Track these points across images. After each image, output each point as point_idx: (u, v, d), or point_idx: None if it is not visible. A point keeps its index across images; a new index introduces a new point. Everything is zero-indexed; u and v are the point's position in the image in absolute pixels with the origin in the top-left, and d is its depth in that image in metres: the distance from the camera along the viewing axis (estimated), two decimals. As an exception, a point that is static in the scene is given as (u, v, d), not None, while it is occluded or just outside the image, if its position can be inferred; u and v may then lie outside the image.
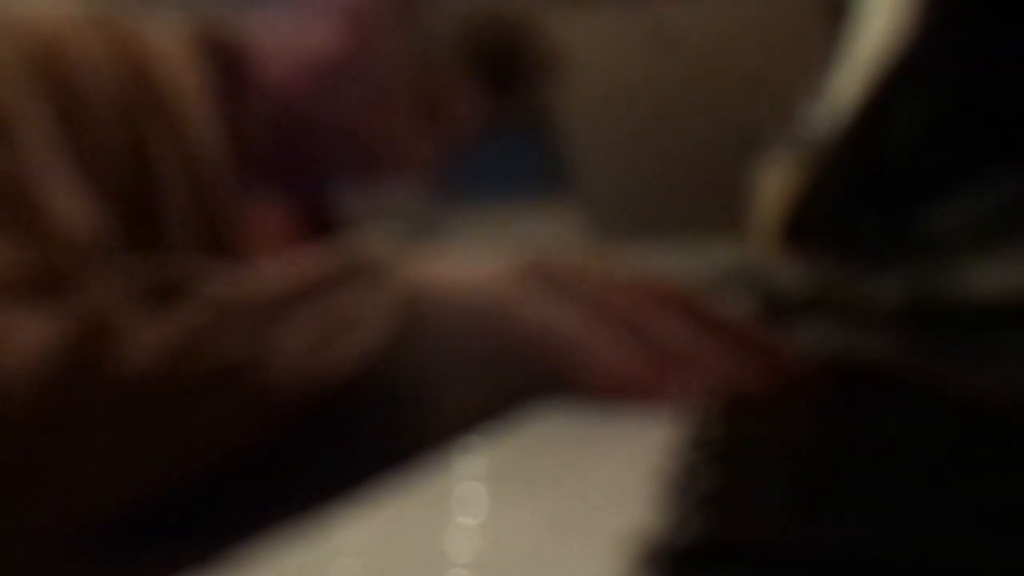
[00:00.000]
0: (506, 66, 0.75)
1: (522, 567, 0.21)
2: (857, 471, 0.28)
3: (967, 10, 0.35)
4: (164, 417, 0.48)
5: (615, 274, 0.50)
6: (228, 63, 0.73)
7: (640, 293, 0.49)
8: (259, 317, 0.49)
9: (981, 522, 0.21)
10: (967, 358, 0.41)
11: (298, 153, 0.76)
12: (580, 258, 0.51)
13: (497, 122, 0.79)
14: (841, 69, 0.66)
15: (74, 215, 0.58)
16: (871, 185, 0.56)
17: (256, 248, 0.70)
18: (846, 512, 0.23)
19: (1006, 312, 0.39)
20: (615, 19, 1.86)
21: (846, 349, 0.62)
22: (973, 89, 0.39)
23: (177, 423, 0.48)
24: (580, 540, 0.22)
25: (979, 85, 0.39)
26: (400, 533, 0.24)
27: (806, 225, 0.79)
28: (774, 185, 1.13)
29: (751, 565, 0.19)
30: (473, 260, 0.52)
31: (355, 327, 0.48)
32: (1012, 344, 0.37)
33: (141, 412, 0.48)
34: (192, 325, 0.48)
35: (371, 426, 0.50)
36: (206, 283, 0.50)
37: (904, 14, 0.42)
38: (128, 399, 0.48)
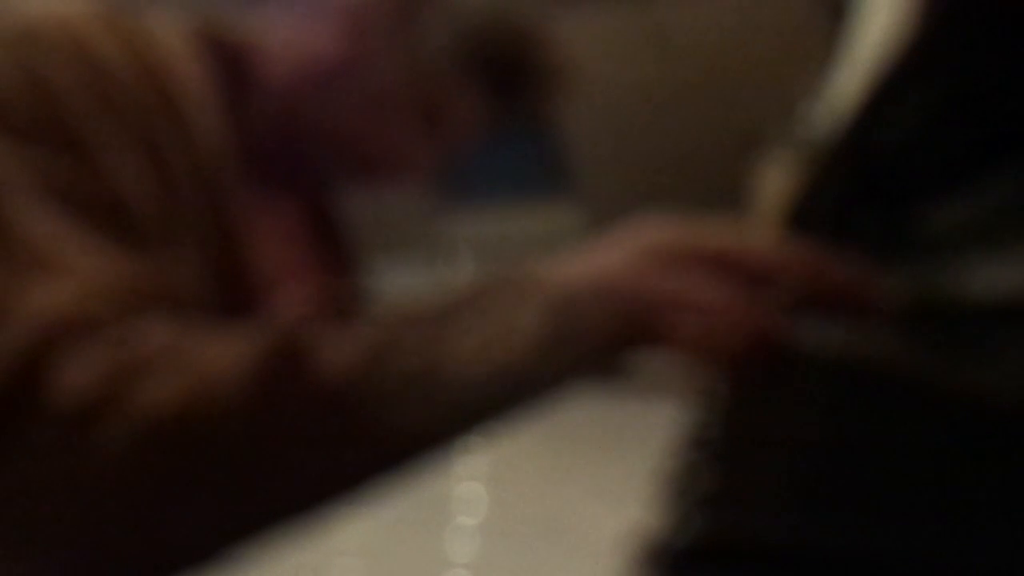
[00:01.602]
0: (508, 71, 0.75)
1: (522, 567, 0.21)
2: (857, 471, 0.28)
3: (967, 10, 0.35)
4: (362, 421, 0.51)
5: (723, 238, 0.54)
6: (231, 62, 0.73)
7: (749, 247, 0.53)
8: (428, 328, 0.52)
9: (981, 522, 0.21)
10: (967, 358, 0.41)
11: (298, 153, 0.76)
12: (695, 228, 0.55)
13: (499, 126, 0.79)
14: (841, 69, 0.66)
15: (158, 221, 0.60)
16: (871, 185, 0.56)
17: (261, 247, 0.70)
18: (846, 512, 0.22)
19: (1006, 312, 0.39)
20: (615, 19, 1.86)
21: (846, 349, 0.62)
22: (973, 89, 0.39)
23: (370, 428, 0.51)
24: (580, 540, 0.22)
25: (979, 85, 0.39)
26: (400, 533, 0.24)
27: (806, 225, 0.79)
28: (774, 185, 1.13)
29: (751, 565, 0.19)
30: (601, 251, 0.55)
31: (514, 334, 0.52)
32: (1012, 344, 0.37)
33: (338, 420, 0.51)
34: (372, 338, 0.52)
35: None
36: (368, 305, 0.53)
37: (904, 14, 0.42)
38: (325, 408, 0.51)
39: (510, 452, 0.35)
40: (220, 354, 0.51)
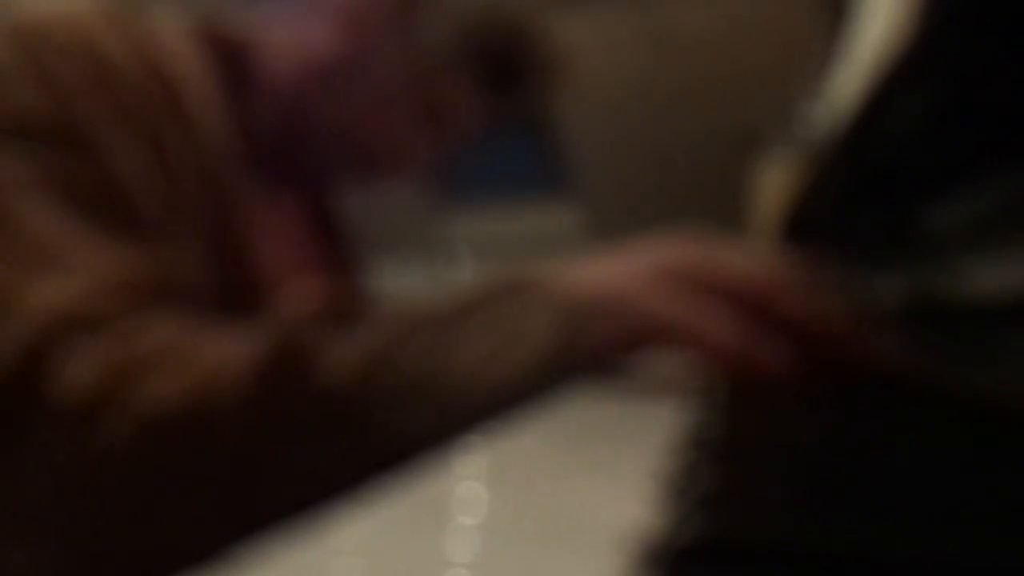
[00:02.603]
0: (506, 66, 0.75)
1: (522, 567, 0.21)
2: (857, 471, 0.28)
3: (967, 10, 0.35)
4: (364, 424, 0.51)
5: (743, 266, 0.54)
6: (231, 59, 0.73)
7: (762, 286, 0.53)
8: (436, 331, 0.52)
9: (981, 522, 0.21)
10: (967, 358, 0.41)
11: (299, 150, 0.76)
12: (713, 250, 0.55)
13: (497, 122, 0.79)
14: (841, 69, 0.66)
15: (162, 216, 0.60)
16: (871, 185, 0.56)
17: (264, 244, 0.71)
18: (846, 512, 0.22)
19: (1006, 312, 0.39)
20: (615, 19, 1.86)
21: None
22: (973, 89, 0.39)
23: (373, 431, 0.51)
24: (580, 540, 0.22)
25: (979, 85, 0.39)
26: (400, 533, 0.24)
27: (806, 225, 0.79)
28: (774, 185, 1.13)
29: (751, 565, 0.19)
30: (613, 261, 0.55)
31: (523, 341, 0.52)
32: (1012, 344, 0.37)
33: (340, 421, 0.51)
34: (378, 340, 0.51)
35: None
36: (374, 305, 0.53)
37: (904, 14, 0.42)
38: (328, 410, 0.50)
39: (510, 452, 0.35)
40: (222, 352, 0.51)
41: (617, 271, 0.54)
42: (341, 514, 0.24)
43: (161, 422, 0.49)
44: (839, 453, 0.31)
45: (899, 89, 0.43)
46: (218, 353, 0.51)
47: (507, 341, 0.51)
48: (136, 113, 0.63)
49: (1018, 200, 0.39)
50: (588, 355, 0.52)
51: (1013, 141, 0.39)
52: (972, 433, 0.33)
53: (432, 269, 2.17)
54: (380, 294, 0.92)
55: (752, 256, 0.55)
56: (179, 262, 0.61)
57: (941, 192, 0.47)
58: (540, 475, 0.32)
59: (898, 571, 0.18)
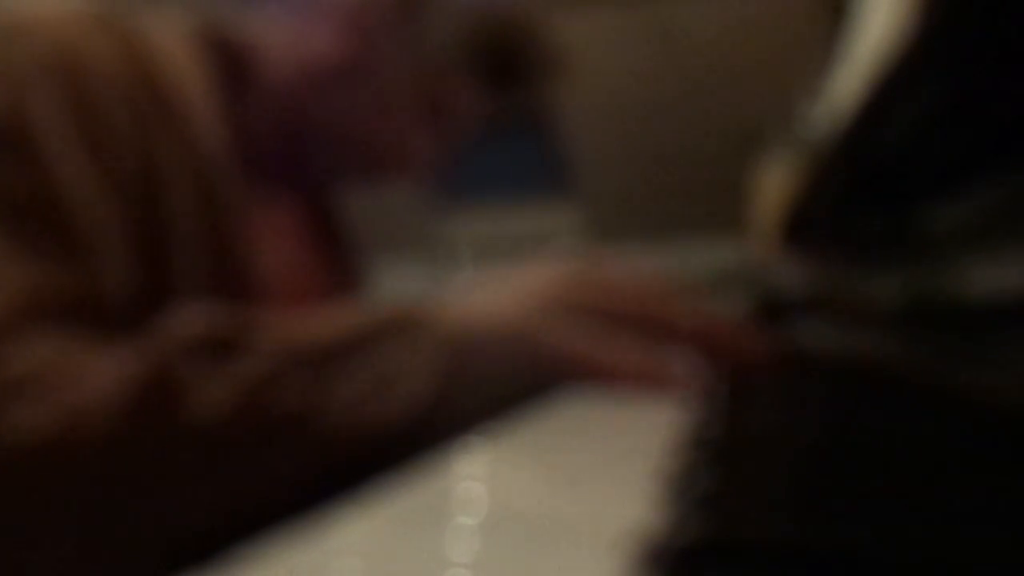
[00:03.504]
0: (507, 65, 0.75)
1: (522, 567, 0.21)
2: (857, 471, 0.28)
3: (967, 10, 0.35)
4: (227, 464, 0.50)
5: (623, 283, 0.56)
6: (230, 62, 0.73)
7: (645, 299, 0.55)
8: (313, 369, 0.51)
9: (981, 522, 0.21)
10: (967, 358, 0.41)
11: (300, 153, 0.76)
12: (593, 270, 0.56)
13: (499, 121, 0.79)
14: (841, 69, 0.66)
15: (98, 228, 0.58)
16: (871, 185, 0.56)
17: (260, 248, 0.70)
18: (846, 512, 0.22)
19: (1006, 312, 0.39)
20: (615, 19, 1.86)
21: (846, 349, 0.62)
22: (973, 89, 0.39)
23: (239, 470, 0.50)
24: (580, 540, 0.22)
25: (979, 85, 0.39)
26: (400, 533, 0.24)
27: (806, 225, 0.79)
28: (774, 185, 1.13)
29: (751, 565, 0.19)
30: (501, 288, 0.55)
31: (402, 380, 0.51)
32: (1012, 344, 0.37)
33: (206, 459, 0.50)
34: (252, 378, 0.50)
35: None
36: (258, 333, 0.52)
37: (904, 14, 0.42)
38: (194, 446, 0.50)
39: (510, 452, 0.35)
40: (99, 378, 0.50)
41: (504, 303, 0.53)
42: (341, 514, 0.24)
43: (21, 451, 0.48)
44: (839, 453, 0.31)
45: (899, 89, 0.43)
46: (94, 378, 0.50)
47: (385, 379, 0.51)
48: (110, 120, 0.62)
49: (1018, 200, 0.39)
50: (476, 392, 0.51)
51: (1013, 141, 0.39)
52: (972, 433, 0.33)
53: (432, 269, 2.17)
54: (380, 294, 0.92)
55: (622, 270, 0.57)
56: (119, 274, 0.59)
57: (941, 192, 0.47)
58: (540, 475, 0.32)
59: (897, 571, 0.18)
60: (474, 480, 0.30)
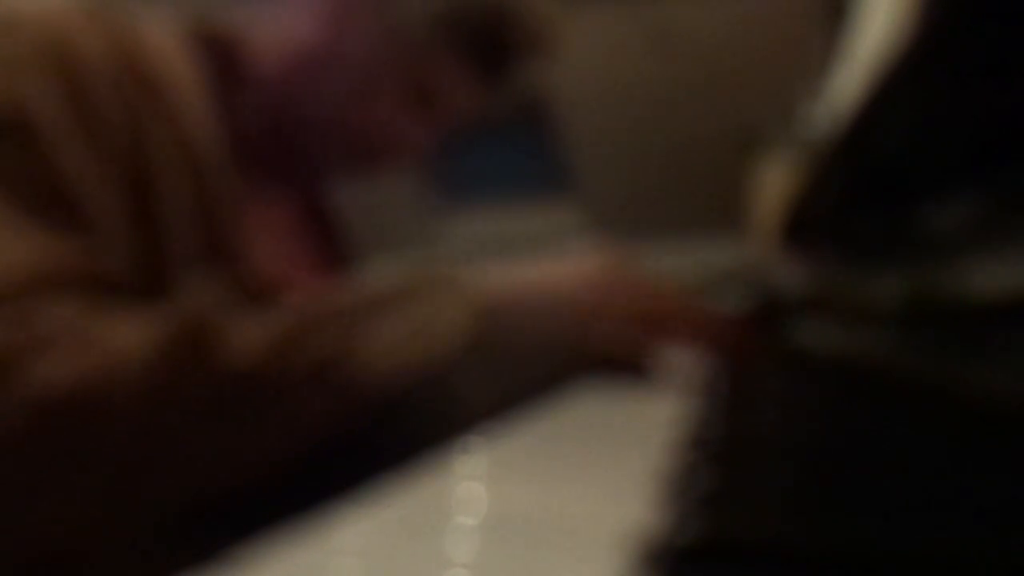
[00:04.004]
0: (491, 43, 0.76)
1: (522, 567, 0.21)
2: (857, 471, 0.28)
3: (967, 10, 0.35)
4: (265, 408, 0.53)
5: (647, 283, 0.63)
6: (221, 56, 0.73)
7: (663, 302, 0.63)
8: (347, 319, 0.54)
9: (981, 522, 0.21)
10: (967, 358, 0.41)
11: (288, 145, 0.76)
12: (627, 272, 0.63)
13: (489, 104, 0.79)
14: (841, 69, 0.66)
15: (100, 210, 0.60)
16: (871, 185, 0.56)
17: (254, 241, 0.71)
18: (846, 512, 0.22)
19: (1006, 312, 0.39)
20: (615, 18, 1.86)
21: (846, 349, 0.62)
22: (973, 89, 0.39)
23: (276, 413, 0.53)
24: (580, 540, 0.22)
25: (979, 85, 0.39)
26: (400, 533, 0.24)
27: (806, 225, 0.79)
28: (774, 185, 1.13)
29: (751, 565, 0.19)
30: (550, 272, 0.61)
31: (435, 329, 0.55)
32: (1012, 344, 0.37)
33: (244, 404, 0.53)
34: (287, 325, 0.54)
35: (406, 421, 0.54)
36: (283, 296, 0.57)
37: (904, 14, 0.42)
38: (232, 391, 0.52)
39: (510, 452, 0.35)
40: (126, 336, 0.52)
41: (557, 281, 0.60)
42: (341, 514, 0.24)
43: (52, 401, 0.50)
44: (838, 453, 0.31)
45: (899, 89, 0.43)
46: (120, 337, 0.52)
47: (415, 333, 0.54)
48: (103, 110, 0.62)
49: (1018, 200, 0.39)
50: (509, 349, 0.56)
51: (1013, 141, 0.39)
52: (972, 433, 0.33)
53: (432, 269, 2.17)
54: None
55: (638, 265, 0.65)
56: (121, 253, 0.61)
57: (941, 192, 0.47)
58: (540, 475, 0.32)
59: (897, 571, 0.18)
60: (474, 480, 0.30)
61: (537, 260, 0.62)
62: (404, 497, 0.27)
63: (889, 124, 0.46)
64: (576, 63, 1.79)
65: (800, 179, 0.78)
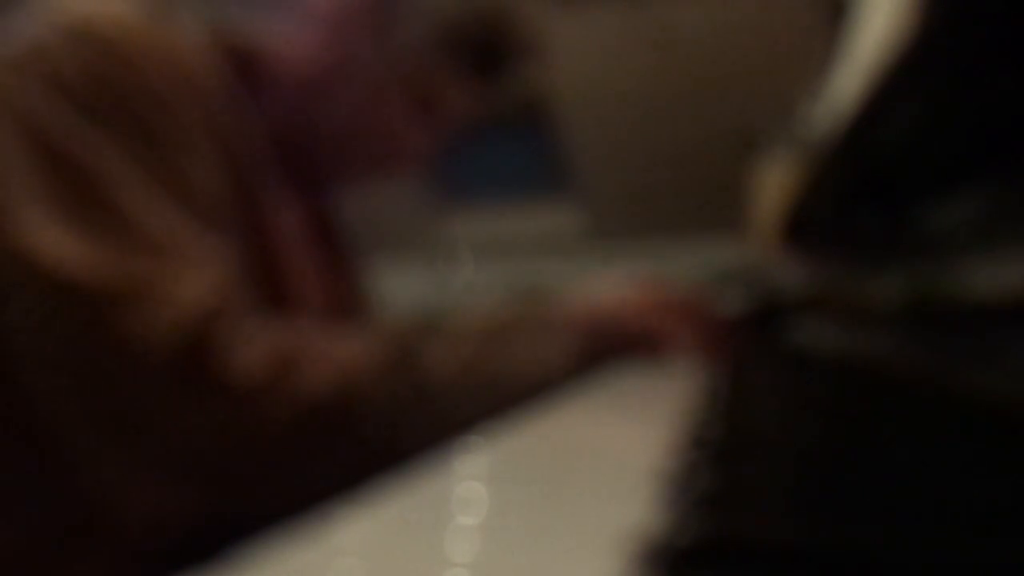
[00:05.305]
0: (487, 51, 0.78)
1: (522, 567, 0.21)
2: (857, 471, 0.28)
3: (967, 10, 0.35)
4: (454, 412, 0.62)
5: (677, 300, 0.78)
6: (242, 67, 0.75)
7: (686, 310, 0.77)
8: (496, 343, 0.68)
9: (981, 522, 0.21)
10: (967, 358, 0.41)
11: (300, 155, 0.78)
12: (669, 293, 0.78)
13: (489, 107, 0.81)
14: (841, 69, 0.66)
15: (148, 215, 0.62)
16: (871, 185, 0.56)
17: (284, 245, 0.73)
18: (846, 512, 0.22)
19: (1006, 312, 0.39)
20: (615, 19, 1.86)
21: (846, 349, 0.62)
22: (973, 89, 0.39)
23: (456, 419, 0.59)
24: (580, 540, 0.22)
25: (979, 85, 0.39)
26: (400, 533, 0.24)
27: (806, 225, 0.79)
28: (774, 185, 1.13)
29: (751, 565, 0.19)
30: (605, 296, 0.76)
31: (550, 353, 0.69)
32: (1012, 344, 0.37)
33: (440, 408, 0.63)
34: (465, 348, 0.66)
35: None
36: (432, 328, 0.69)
37: (904, 14, 0.42)
38: (431, 401, 0.63)
39: (510, 452, 0.35)
40: (349, 349, 0.62)
41: (613, 301, 0.75)
42: (341, 514, 0.24)
43: (315, 406, 0.60)
44: (839, 454, 0.31)
45: (899, 89, 0.42)
46: (345, 350, 0.62)
47: (538, 353, 0.69)
48: (178, 117, 0.65)
49: (1018, 200, 0.39)
50: (594, 363, 0.70)
51: (1012, 141, 0.39)
52: (972, 433, 0.33)
53: (432, 269, 2.17)
54: (380, 294, 0.92)
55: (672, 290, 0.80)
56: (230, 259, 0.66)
57: (941, 192, 0.47)
58: (540, 475, 0.32)
59: (897, 571, 0.18)
60: (474, 480, 0.30)
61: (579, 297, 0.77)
62: (404, 497, 0.27)
63: (889, 124, 0.46)
64: (576, 63, 1.79)
65: (800, 179, 0.78)
